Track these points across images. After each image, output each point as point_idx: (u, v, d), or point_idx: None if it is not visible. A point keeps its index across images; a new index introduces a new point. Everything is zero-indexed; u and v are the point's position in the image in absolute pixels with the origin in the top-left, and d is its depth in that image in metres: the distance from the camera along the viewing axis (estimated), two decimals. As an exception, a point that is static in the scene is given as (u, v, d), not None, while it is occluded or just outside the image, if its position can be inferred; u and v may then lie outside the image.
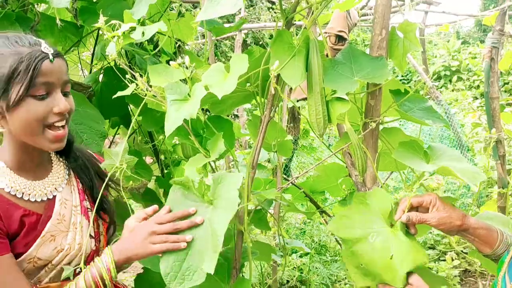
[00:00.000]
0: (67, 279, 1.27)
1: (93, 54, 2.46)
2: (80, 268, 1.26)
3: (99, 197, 1.32)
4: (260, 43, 10.46)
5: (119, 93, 1.30)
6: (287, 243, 1.98)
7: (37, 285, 1.26)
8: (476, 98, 9.05)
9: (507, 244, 1.18)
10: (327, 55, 1.74)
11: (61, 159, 1.40)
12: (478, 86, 10.35)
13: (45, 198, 1.29)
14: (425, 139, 5.80)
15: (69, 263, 1.28)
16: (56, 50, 1.22)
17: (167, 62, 2.47)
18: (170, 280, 1.17)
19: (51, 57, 1.17)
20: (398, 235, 1.16)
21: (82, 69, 2.51)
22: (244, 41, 9.27)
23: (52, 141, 1.21)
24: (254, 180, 1.34)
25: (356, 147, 1.18)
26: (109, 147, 2.63)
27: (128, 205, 1.41)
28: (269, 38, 11.15)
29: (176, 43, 2.49)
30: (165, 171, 2.64)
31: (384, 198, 1.24)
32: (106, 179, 1.32)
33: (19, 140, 1.23)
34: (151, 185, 2.64)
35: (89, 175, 1.42)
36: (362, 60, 1.24)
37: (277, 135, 1.43)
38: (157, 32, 2.20)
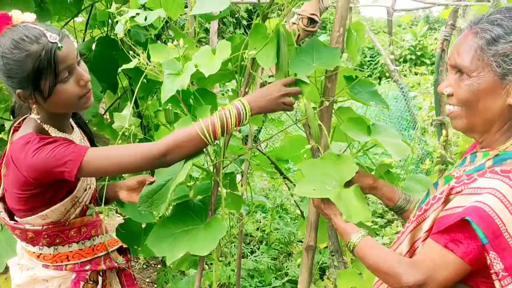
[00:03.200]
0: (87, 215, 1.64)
1: (87, 24, 2.70)
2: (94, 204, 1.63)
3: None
4: (236, 15, 10.64)
5: (124, 66, 1.58)
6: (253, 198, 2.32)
7: (68, 221, 1.56)
8: (437, 83, 9.49)
9: (407, 200, 1.54)
10: (299, 36, 2.03)
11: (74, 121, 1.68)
12: (441, 71, 10.82)
13: None
14: (385, 119, 6.22)
15: (85, 200, 1.60)
16: (59, 33, 1.37)
17: (155, 36, 2.74)
18: (141, 203, 1.56)
19: (59, 44, 1.34)
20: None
21: (76, 38, 2.75)
22: (220, 14, 9.42)
23: (87, 103, 1.47)
24: (229, 147, 1.66)
25: (311, 119, 1.50)
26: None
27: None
28: (244, 11, 11.33)
29: (164, 18, 2.75)
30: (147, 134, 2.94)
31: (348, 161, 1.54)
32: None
33: (53, 111, 1.47)
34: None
35: (88, 129, 1.73)
36: (321, 50, 1.55)
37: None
38: (148, 8, 2.47)
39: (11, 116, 1.68)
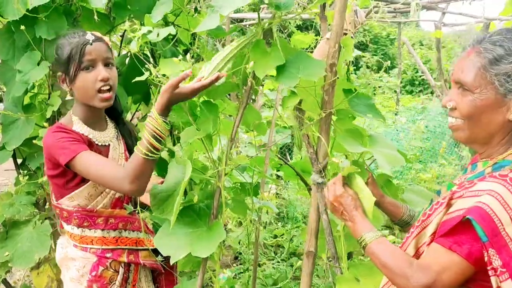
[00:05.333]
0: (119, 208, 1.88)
1: (122, 40, 2.91)
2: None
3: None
4: (286, 30, 10.77)
5: (137, 78, 1.73)
6: (259, 203, 2.41)
7: (96, 209, 1.80)
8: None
9: (411, 216, 1.62)
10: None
11: (112, 122, 1.94)
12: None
13: (106, 144, 1.85)
14: (428, 136, 6.10)
15: (115, 193, 1.84)
16: (96, 36, 1.77)
17: (184, 51, 2.91)
18: (154, 210, 1.70)
19: (90, 41, 1.72)
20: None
21: (111, 51, 2.96)
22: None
23: (101, 101, 1.74)
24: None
25: (295, 130, 1.59)
26: (131, 120, 3.09)
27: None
28: (295, 27, 11.43)
29: (193, 35, 2.91)
30: (177, 143, 3.09)
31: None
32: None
33: (82, 103, 1.77)
34: (164, 154, 3.10)
35: (130, 138, 1.97)
36: (307, 62, 1.61)
37: (255, 117, 1.85)
38: (176, 25, 2.64)
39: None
